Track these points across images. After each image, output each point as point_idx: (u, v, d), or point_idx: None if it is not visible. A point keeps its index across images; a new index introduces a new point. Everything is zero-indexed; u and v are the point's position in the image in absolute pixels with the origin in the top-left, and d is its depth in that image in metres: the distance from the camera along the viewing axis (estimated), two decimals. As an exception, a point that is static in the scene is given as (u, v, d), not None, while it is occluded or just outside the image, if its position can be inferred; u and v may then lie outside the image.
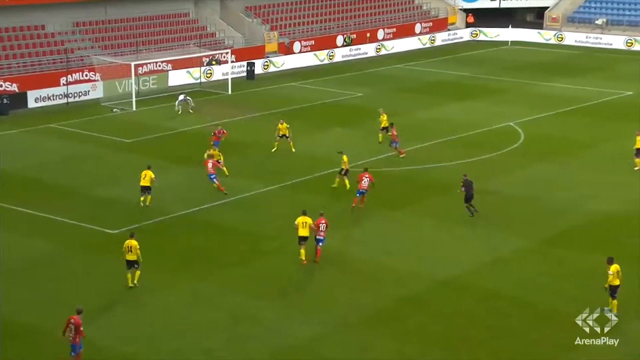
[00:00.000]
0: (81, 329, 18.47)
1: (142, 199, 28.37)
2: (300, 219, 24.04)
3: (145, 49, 48.18)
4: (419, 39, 62.02)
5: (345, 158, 30.13)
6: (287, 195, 30.13)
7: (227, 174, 30.92)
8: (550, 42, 62.68)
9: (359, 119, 41.06)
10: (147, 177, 28.33)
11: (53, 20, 47.03)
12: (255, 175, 31.90)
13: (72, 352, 18.41)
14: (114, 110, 42.13)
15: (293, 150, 34.42)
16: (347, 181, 29.92)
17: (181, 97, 41.33)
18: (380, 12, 62.65)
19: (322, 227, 24.24)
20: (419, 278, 23.44)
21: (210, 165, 29.74)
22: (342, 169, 30.14)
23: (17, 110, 40.89)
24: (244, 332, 20.32)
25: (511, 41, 62.82)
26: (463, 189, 27.72)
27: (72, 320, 18.46)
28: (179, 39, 50.97)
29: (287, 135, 34.54)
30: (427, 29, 64.10)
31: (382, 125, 36.44)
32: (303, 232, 23.96)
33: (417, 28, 63.71)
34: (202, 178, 31.48)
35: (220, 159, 30.87)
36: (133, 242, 22.49)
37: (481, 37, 64.47)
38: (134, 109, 42.27)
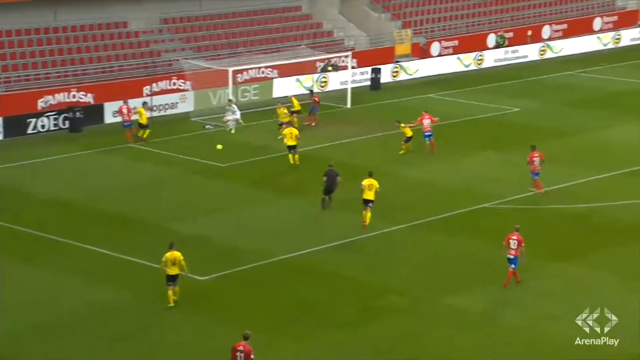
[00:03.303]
0: (252, 356, 19.53)
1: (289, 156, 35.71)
2: (367, 181, 29.68)
3: (246, 52, 49.19)
4: (598, 37, 60.48)
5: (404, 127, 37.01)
6: (420, 238, 29.92)
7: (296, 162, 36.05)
8: None
9: (517, 140, 40.26)
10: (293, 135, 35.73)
11: (136, 16, 48.67)
12: (379, 211, 31.67)
13: None
14: (207, 126, 43.08)
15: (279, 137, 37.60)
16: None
17: (233, 112, 41.94)
18: (546, 4, 61.53)
19: (513, 243, 24.97)
20: (592, 352, 22.61)
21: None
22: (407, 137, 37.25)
23: (92, 126, 42.59)
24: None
25: None
26: (325, 178, 30.80)
27: (241, 348, 19.50)
28: (287, 39, 51.79)
29: (286, 121, 39.17)
30: (611, 25, 62.44)
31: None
32: (368, 194, 29.52)
33: (597, 23, 62.12)
34: (312, 213, 31.57)
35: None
36: (176, 254, 24.43)
37: (684, 35, 62.15)
38: (228, 128, 43.12)
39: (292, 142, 35.82)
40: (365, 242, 29.53)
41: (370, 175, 30.24)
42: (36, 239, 29.62)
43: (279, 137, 37.78)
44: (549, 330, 23.82)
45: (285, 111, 40.87)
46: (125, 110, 40.99)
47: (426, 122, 37.82)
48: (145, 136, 40.47)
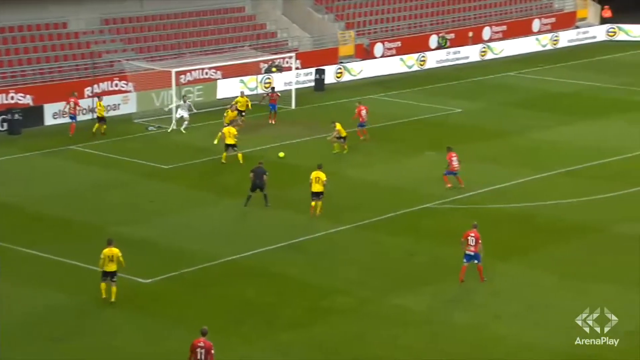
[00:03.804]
0: (213, 352, 19.59)
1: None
2: (314, 174, 30.59)
3: (190, 53, 49.01)
4: (537, 39, 61.42)
5: (338, 126, 37.25)
6: (365, 238, 30.07)
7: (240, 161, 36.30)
8: None
9: (458, 140, 40.72)
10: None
11: (77, 16, 48.25)
12: (324, 212, 31.83)
13: None
14: (150, 128, 42.85)
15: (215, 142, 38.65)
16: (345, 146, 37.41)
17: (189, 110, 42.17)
18: (487, 6, 62.32)
19: (472, 240, 25.59)
20: (534, 351, 22.93)
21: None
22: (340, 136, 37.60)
23: (32, 128, 42.00)
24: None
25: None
26: (251, 175, 31.50)
27: (201, 344, 19.56)
28: (231, 40, 51.71)
29: (244, 112, 40.85)
30: (549, 27, 63.46)
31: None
32: (316, 187, 30.64)
33: (535, 25, 63.11)
34: (257, 214, 31.61)
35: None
36: (115, 250, 24.65)
37: (621, 37, 63.42)
38: (175, 126, 42.95)
39: (231, 141, 36.37)
40: (311, 242, 29.64)
41: (320, 167, 31.35)
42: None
43: (215, 142, 38.45)
44: (493, 328, 24.10)
45: (246, 99, 41.75)
46: (72, 104, 40.90)
47: (363, 112, 40.02)
48: (102, 131, 40.73)
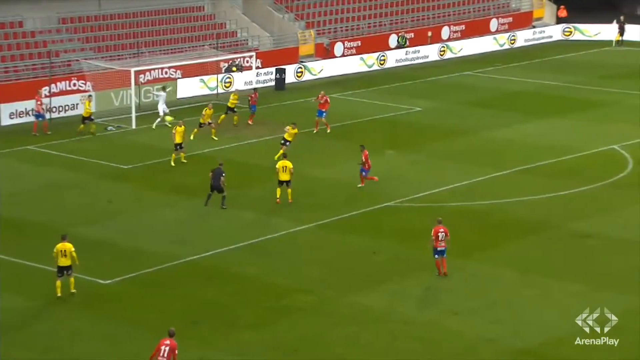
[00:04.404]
0: (176, 352, 20.18)
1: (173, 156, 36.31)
2: (280, 163, 31.50)
3: (149, 52, 48.70)
4: (494, 38, 61.85)
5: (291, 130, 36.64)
6: (325, 237, 30.10)
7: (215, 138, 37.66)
8: (667, 41, 62.06)
9: (418, 139, 40.95)
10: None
11: (33, 15, 47.69)
12: (284, 211, 31.79)
13: None
14: (109, 128, 42.51)
15: (215, 138, 39.87)
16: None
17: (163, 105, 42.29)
18: (445, 5, 62.63)
19: (442, 236, 26.17)
20: (493, 347, 23.10)
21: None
22: None
23: (-12, 128, 41.59)
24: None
25: (616, 41, 62.22)
26: (210, 174, 31.79)
27: (167, 342, 20.17)
28: (191, 40, 51.47)
29: (211, 122, 39.92)
30: (506, 26, 63.95)
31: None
32: (283, 176, 31.46)
33: (493, 25, 63.57)
34: (217, 215, 31.49)
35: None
36: (68, 245, 24.81)
37: (577, 36, 64.07)
38: (134, 126, 42.62)
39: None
40: (270, 242, 29.60)
41: (285, 157, 32.69)
42: None
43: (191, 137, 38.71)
44: (451, 325, 24.23)
45: (212, 112, 40.54)
46: (38, 102, 40.94)
47: (323, 100, 41.14)
48: (92, 130, 40.70)
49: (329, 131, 41.25)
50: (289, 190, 32.21)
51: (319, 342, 23.41)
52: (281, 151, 36.18)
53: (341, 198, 33.68)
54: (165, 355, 20.06)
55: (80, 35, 48.81)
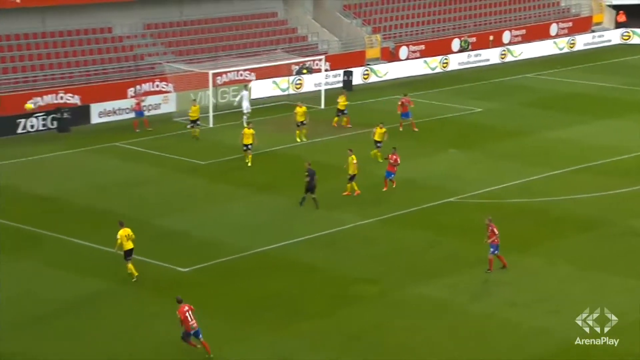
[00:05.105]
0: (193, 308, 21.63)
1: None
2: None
3: (225, 55, 49.05)
4: (554, 42, 60.81)
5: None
6: (388, 231, 29.92)
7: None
8: None
9: (479, 138, 40.47)
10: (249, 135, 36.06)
11: (121, 22, 48.50)
12: (350, 206, 31.72)
13: (200, 336, 21.41)
14: (188, 126, 42.96)
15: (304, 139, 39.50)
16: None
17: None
18: (506, 11, 61.78)
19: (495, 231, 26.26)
20: (548, 338, 22.78)
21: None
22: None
23: (79, 126, 42.30)
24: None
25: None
26: (307, 175, 31.23)
27: (186, 308, 21.36)
28: (264, 44, 51.68)
29: (305, 121, 39.36)
30: (566, 31, 62.81)
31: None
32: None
33: (553, 29, 62.47)
34: (287, 208, 31.55)
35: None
36: (128, 230, 25.58)
37: (635, 40, 62.62)
38: (211, 125, 42.98)
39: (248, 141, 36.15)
40: (336, 235, 29.50)
41: (351, 151, 32.75)
42: (20, 232, 29.41)
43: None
44: (507, 317, 23.92)
45: (305, 109, 40.04)
46: (137, 101, 41.91)
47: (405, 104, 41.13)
48: (195, 134, 40.52)
49: (416, 130, 41.23)
50: (354, 184, 32.49)
51: (381, 330, 23.30)
52: (375, 151, 36.40)
53: (404, 194, 33.44)
54: (193, 317, 21.34)
55: (163, 40, 49.45)
